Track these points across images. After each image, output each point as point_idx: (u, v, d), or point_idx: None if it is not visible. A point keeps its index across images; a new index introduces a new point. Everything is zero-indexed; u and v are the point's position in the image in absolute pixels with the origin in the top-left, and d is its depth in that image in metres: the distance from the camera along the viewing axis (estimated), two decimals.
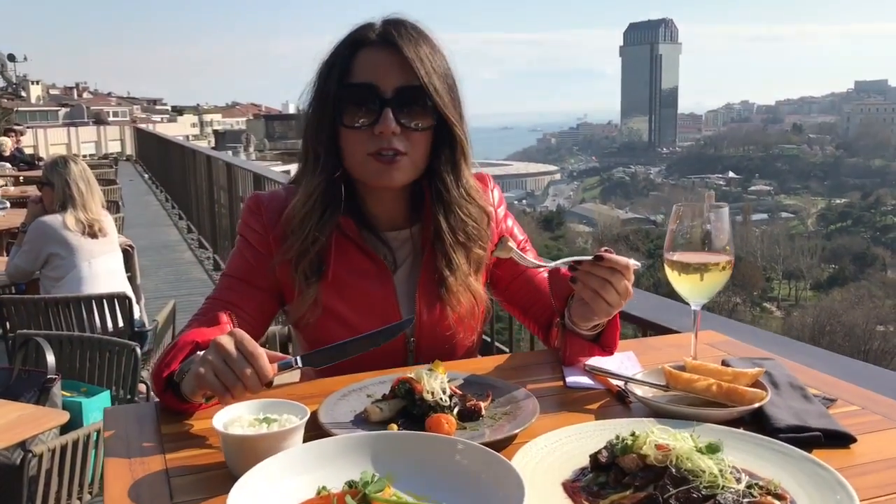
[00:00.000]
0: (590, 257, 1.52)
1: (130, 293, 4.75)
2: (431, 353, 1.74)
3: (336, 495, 0.95)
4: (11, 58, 77.16)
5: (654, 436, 1.08)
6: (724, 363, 1.59)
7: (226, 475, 1.16)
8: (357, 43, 1.65)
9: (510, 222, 1.92)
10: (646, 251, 59.78)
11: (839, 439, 1.26)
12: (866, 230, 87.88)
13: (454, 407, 1.33)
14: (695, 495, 0.99)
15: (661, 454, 1.05)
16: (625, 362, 1.66)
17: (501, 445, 1.23)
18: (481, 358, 1.78)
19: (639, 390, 1.43)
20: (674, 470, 1.02)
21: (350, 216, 1.72)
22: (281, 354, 1.36)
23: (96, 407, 3.41)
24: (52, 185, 4.78)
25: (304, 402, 1.44)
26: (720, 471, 1.01)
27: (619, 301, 1.53)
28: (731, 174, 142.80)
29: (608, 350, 1.68)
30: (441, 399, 1.32)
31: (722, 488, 0.99)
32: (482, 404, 1.37)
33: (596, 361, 1.63)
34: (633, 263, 1.53)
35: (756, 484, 1.03)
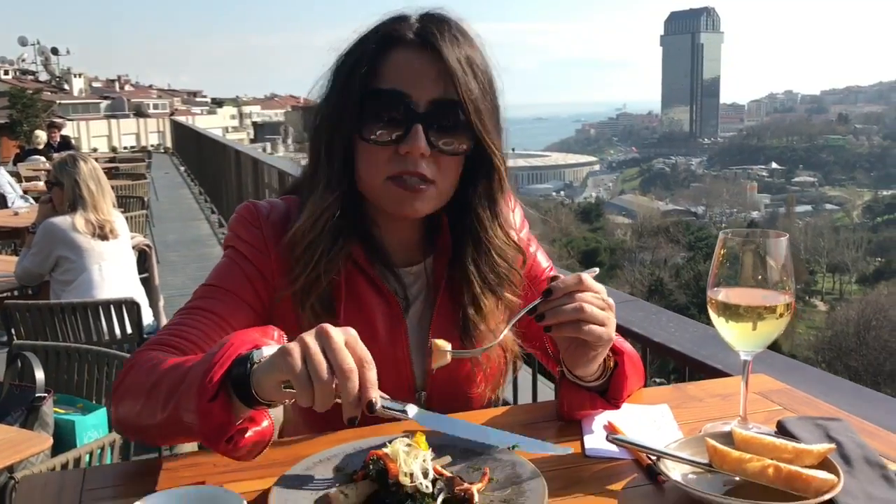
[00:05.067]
0: (538, 301, 1.25)
1: (141, 297, 4.56)
2: (445, 406, 1.47)
3: None
4: (55, 51, 78.11)
5: None
6: (779, 425, 1.30)
7: None
8: (389, 40, 1.34)
9: (532, 248, 1.59)
10: (686, 243, 58.90)
11: None
12: None
13: (438, 495, 1.05)
14: None
15: None
16: (657, 420, 1.37)
17: None
18: (482, 411, 1.49)
19: (676, 469, 1.14)
20: None
21: (360, 243, 1.42)
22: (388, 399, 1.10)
23: (91, 425, 3.19)
24: (61, 184, 4.61)
25: (263, 470, 1.19)
26: None
27: (605, 316, 1.23)
28: (774, 165, 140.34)
29: (614, 403, 1.37)
30: (421, 485, 1.05)
31: None
32: (475, 487, 1.09)
33: (622, 420, 1.34)
34: (588, 272, 1.26)
35: None
